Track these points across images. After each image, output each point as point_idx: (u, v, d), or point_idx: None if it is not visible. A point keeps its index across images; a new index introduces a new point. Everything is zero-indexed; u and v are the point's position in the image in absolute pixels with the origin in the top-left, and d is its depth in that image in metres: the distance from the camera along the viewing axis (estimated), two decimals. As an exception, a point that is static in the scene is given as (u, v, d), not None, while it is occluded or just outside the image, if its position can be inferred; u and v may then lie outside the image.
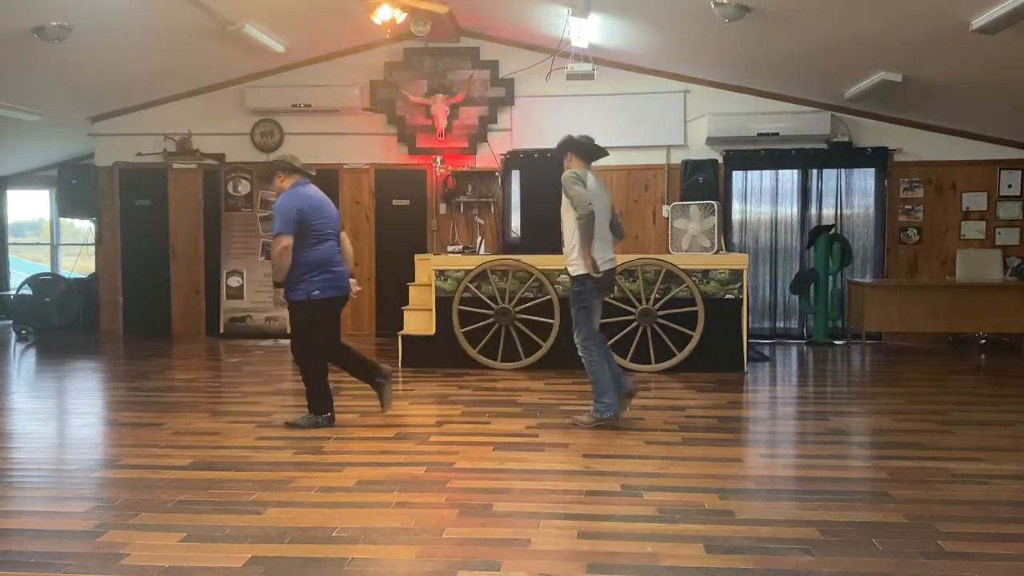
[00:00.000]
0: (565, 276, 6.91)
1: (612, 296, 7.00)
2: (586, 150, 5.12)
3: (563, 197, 4.95)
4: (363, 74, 9.49)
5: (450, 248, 8.28)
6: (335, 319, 5.05)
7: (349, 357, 5.19)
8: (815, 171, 9.22)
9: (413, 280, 7.82)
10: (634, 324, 6.96)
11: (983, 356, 8.16)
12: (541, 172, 9.36)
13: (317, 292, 4.85)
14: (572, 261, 4.96)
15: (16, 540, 3.16)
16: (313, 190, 5.04)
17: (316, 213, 4.90)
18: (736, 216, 9.34)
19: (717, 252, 7.35)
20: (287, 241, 4.76)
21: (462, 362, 7.15)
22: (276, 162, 5.09)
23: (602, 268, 4.89)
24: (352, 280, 5.14)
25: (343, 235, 5.18)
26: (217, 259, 9.65)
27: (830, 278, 8.82)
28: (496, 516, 3.41)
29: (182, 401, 5.99)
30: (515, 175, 9.45)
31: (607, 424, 4.93)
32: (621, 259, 7.05)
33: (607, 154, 5.25)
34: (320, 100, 9.40)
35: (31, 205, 12.38)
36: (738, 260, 7.07)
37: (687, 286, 6.92)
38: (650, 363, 6.95)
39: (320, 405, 5.02)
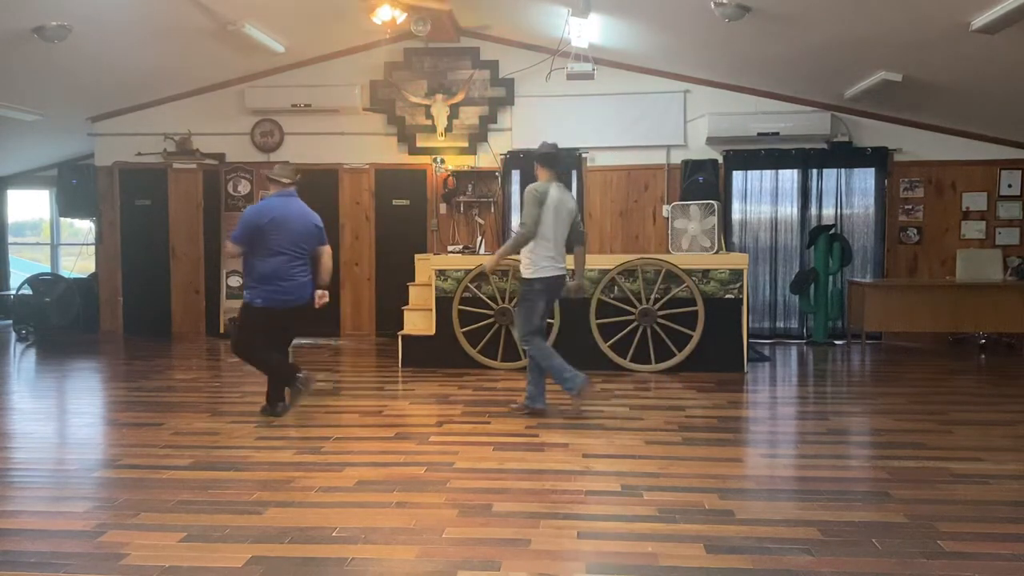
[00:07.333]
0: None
1: (612, 296, 7.04)
2: (550, 160, 5.40)
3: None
4: (363, 74, 9.49)
5: (450, 248, 8.27)
6: (276, 326, 5.24)
7: (277, 369, 5.29)
8: (815, 171, 9.21)
9: (413, 280, 7.84)
10: (634, 324, 6.96)
11: (983, 356, 8.15)
12: (541, 172, 9.43)
13: (259, 301, 5.14)
14: (524, 265, 5.31)
15: (16, 540, 3.16)
16: (285, 204, 5.22)
17: (275, 229, 5.12)
18: (736, 216, 9.33)
19: (717, 252, 7.35)
20: (231, 249, 5.30)
21: (462, 362, 7.16)
22: (269, 172, 5.40)
23: (547, 275, 5.24)
24: (319, 292, 5.34)
25: (322, 249, 5.37)
26: (217, 259, 9.65)
27: (830, 278, 8.82)
28: (496, 516, 3.41)
29: (182, 401, 5.99)
30: (515, 175, 9.49)
31: (539, 413, 5.29)
32: (621, 259, 7.08)
33: (572, 162, 5.48)
34: (320, 100, 9.40)
35: (31, 205, 12.38)
36: (738, 260, 7.07)
37: (687, 286, 6.92)
38: (650, 363, 6.95)
39: (273, 395, 5.31)
